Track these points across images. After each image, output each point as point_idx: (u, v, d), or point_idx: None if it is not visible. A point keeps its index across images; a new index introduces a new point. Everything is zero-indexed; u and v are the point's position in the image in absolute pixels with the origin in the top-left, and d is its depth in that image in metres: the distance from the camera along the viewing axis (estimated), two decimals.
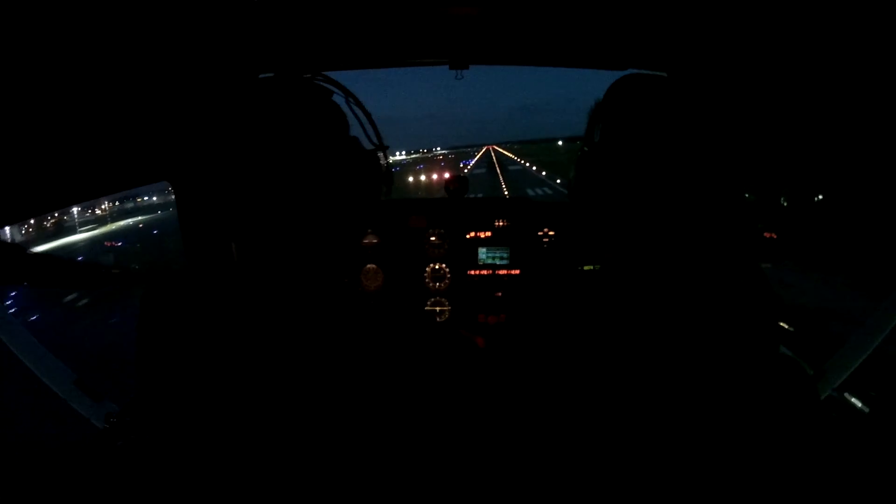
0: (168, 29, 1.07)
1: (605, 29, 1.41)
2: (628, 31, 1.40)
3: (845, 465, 0.76)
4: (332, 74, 0.93)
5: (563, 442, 0.78)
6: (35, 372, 1.35)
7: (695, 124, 0.75)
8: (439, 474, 0.74)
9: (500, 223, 2.09)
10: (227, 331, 0.73)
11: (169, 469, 0.73)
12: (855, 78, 1.06)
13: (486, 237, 2.09)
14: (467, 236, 2.09)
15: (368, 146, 0.90)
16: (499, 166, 63.63)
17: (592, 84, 0.86)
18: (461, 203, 2.11)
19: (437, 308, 2.10)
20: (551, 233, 2.06)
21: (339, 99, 0.83)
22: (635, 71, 1.00)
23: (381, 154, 0.91)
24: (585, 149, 0.84)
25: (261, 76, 0.81)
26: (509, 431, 0.80)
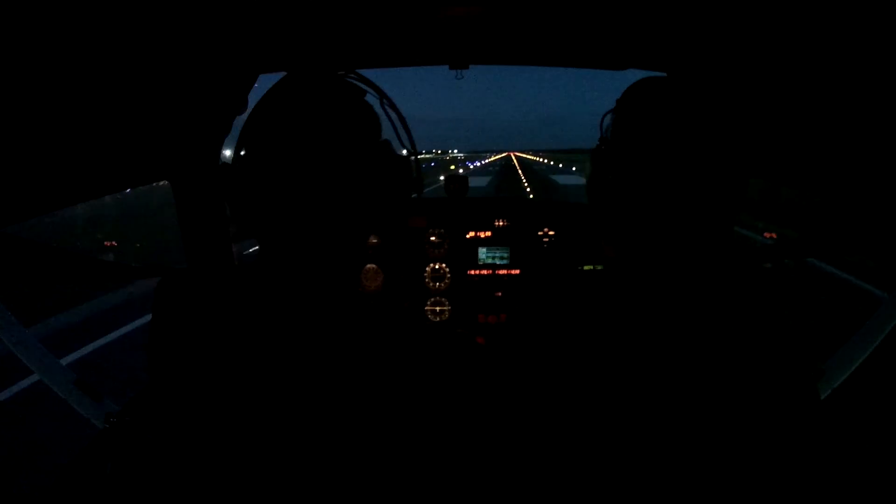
0: (167, 28, 1.06)
1: (605, 29, 1.41)
2: (628, 31, 1.40)
3: (845, 465, 0.76)
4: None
5: (564, 441, 0.78)
6: (35, 372, 1.34)
7: (711, 127, 0.76)
8: (440, 474, 0.74)
9: (500, 223, 2.09)
10: (235, 330, 0.73)
11: (170, 468, 0.73)
12: (856, 73, 1.06)
13: (486, 237, 2.09)
14: (467, 236, 2.09)
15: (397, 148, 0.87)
16: (524, 173, 44.69)
17: (617, 96, 0.85)
18: (461, 203, 2.11)
19: (437, 308, 2.09)
20: (551, 233, 2.06)
21: (372, 101, 0.80)
22: (637, 72, 1.00)
23: (413, 160, 0.88)
24: (601, 147, 0.85)
25: (278, 75, 0.78)
26: (510, 431, 0.80)
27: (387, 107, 0.88)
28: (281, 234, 0.75)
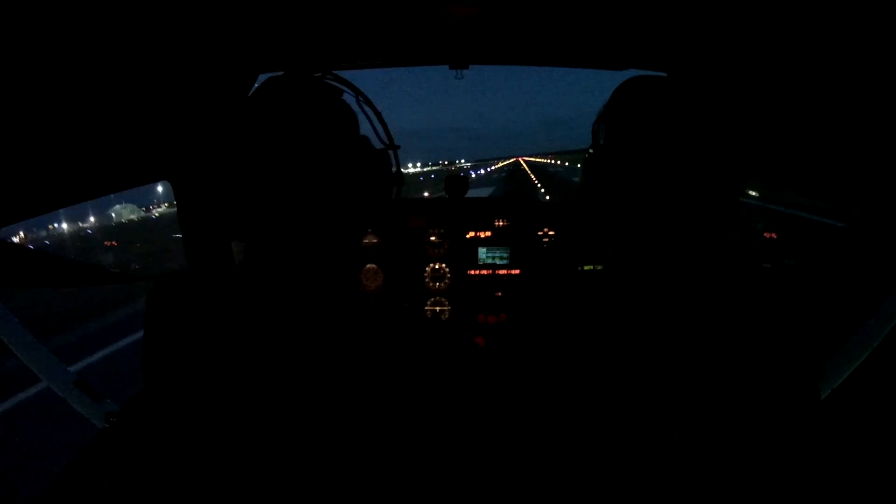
0: (168, 28, 1.06)
1: (605, 29, 1.41)
2: (628, 31, 1.40)
3: (845, 464, 0.76)
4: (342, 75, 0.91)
5: (564, 442, 0.78)
6: (35, 372, 1.35)
7: (696, 125, 0.75)
8: (440, 474, 0.74)
9: (500, 223, 2.09)
10: (231, 331, 0.73)
11: (170, 468, 0.73)
12: (855, 74, 1.06)
13: (486, 237, 2.09)
14: (467, 236, 2.09)
15: (379, 145, 0.88)
16: (540, 179, 37.91)
17: None
18: (461, 203, 2.11)
19: (437, 308, 2.09)
20: (551, 233, 2.06)
21: (349, 99, 0.82)
22: (637, 72, 1.00)
23: (391, 153, 0.89)
24: (591, 151, 0.85)
25: (269, 75, 0.80)
26: (510, 431, 0.80)
27: (363, 104, 0.89)
28: (266, 235, 0.75)
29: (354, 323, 0.77)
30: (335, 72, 0.90)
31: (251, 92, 0.78)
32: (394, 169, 0.88)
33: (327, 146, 0.74)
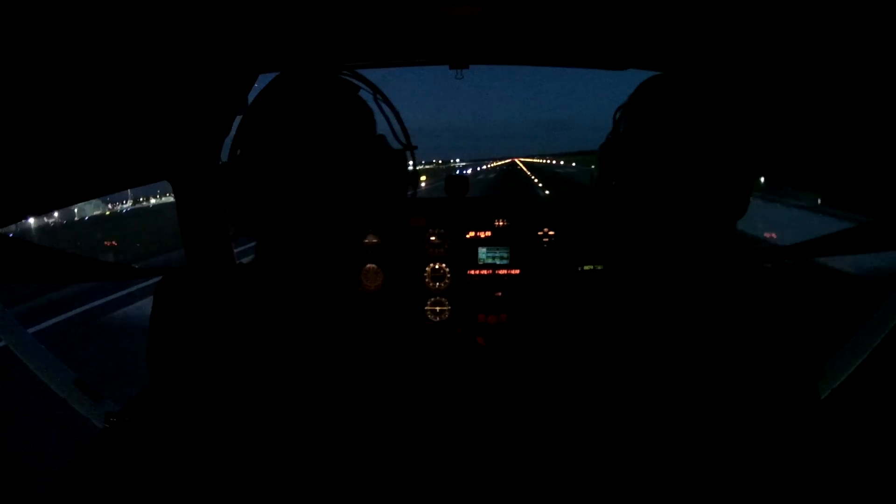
0: (168, 27, 1.06)
1: (604, 28, 1.41)
2: (628, 31, 1.40)
3: (845, 465, 0.76)
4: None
5: (565, 441, 0.78)
6: (35, 372, 1.35)
7: (718, 125, 0.76)
8: (440, 474, 0.74)
9: (500, 223, 2.09)
10: (236, 330, 0.73)
11: (170, 468, 0.73)
12: (853, 77, 1.06)
13: (486, 237, 2.09)
14: (467, 236, 2.09)
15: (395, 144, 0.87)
16: (548, 186, 31.22)
17: (619, 99, 0.87)
18: (461, 202, 2.11)
19: (438, 308, 2.09)
20: (551, 233, 2.06)
21: (366, 96, 0.80)
22: (636, 72, 1.00)
23: (408, 154, 0.88)
24: (610, 137, 0.85)
25: (275, 73, 0.79)
26: (510, 431, 0.80)
27: (381, 102, 0.87)
28: (278, 233, 0.75)
29: (357, 322, 0.77)
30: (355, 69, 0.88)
31: (266, 86, 0.77)
32: (410, 170, 0.87)
33: (343, 143, 0.73)
